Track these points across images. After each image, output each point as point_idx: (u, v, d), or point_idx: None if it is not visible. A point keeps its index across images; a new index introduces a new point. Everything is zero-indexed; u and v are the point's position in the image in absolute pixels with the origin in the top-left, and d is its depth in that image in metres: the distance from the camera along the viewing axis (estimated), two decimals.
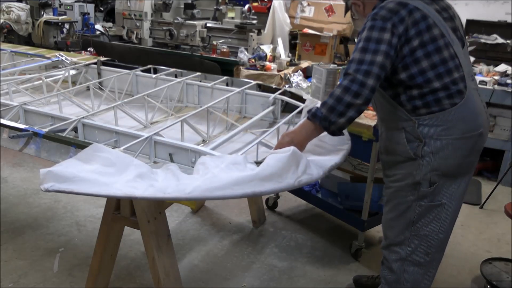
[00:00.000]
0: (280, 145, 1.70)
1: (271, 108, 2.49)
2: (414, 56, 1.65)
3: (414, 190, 1.78)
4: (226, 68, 4.76)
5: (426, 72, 1.66)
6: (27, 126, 1.92)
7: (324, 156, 1.78)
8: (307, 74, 4.84)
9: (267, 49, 4.99)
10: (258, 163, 1.56)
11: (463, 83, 1.68)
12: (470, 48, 4.84)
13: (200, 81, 2.85)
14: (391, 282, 1.95)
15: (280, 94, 2.55)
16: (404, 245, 1.87)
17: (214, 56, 5.01)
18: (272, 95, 2.52)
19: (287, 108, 2.58)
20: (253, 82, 2.75)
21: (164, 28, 5.30)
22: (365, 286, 2.53)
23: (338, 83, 1.69)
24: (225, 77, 2.88)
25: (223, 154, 1.65)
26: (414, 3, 1.66)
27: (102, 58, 3.33)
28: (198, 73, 2.94)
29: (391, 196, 1.88)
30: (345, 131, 1.98)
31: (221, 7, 5.35)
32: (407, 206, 1.81)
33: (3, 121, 1.97)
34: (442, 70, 1.66)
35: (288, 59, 4.90)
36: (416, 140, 1.72)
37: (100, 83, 2.87)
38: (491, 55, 4.80)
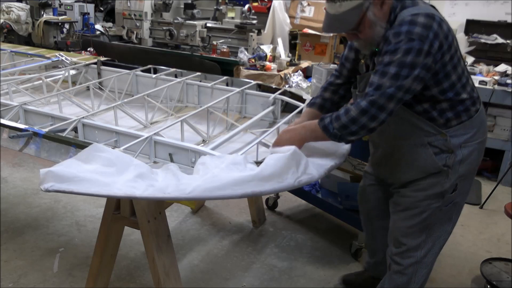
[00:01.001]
0: (278, 141, 1.70)
1: (271, 108, 2.49)
2: (445, 70, 1.61)
3: (440, 198, 1.77)
4: (226, 68, 4.76)
5: (456, 85, 1.64)
6: (27, 126, 1.92)
7: (324, 156, 1.78)
8: (307, 74, 4.84)
9: (267, 49, 4.99)
10: (258, 163, 1.57)
11: (475, 88, 1.74)
12: (470, 48, 4.84)
13: (200, 81, 2.85)
14: (401, 284, 1.95)
15: (280, 94, 2.55)
16: (419, 249, 1.86)
17: (214, 56, 5.01)
18: (272, 95, 2.52)
19: (287, 108, 2.58)
20: (253, 82, 2.75)
21: (164, 28, 5.30)
22: (356, 284, 2.51)
23: (356, 101, 1.60)
24: (225, 77, 2.88)
25: (223, 154, 1.65)
26: (436, 13, 1.59)
27: (102, 58, 3.33)
28: (198, 73, 2.94)
29: (411, 205, 1.83)
30: None
31: (221, 7, 5.36)
32: (430, 213, 1.80)
33: (3, 121, 1.96)
34: (464, 81, 1.67)
35: (288, 59, 4.90)
36: (445, 152, 1.70)
37: (100, 83, 2.87)
38: (491, 55, 4.80)
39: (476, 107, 1.71)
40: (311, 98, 1.96)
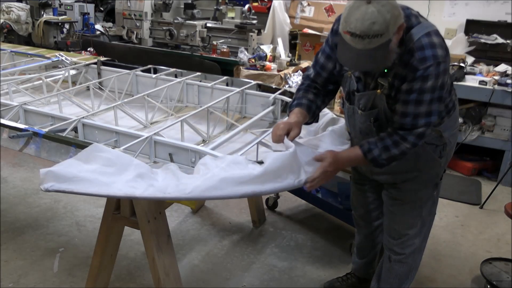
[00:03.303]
0: (322, 162, 1.66)
1: (271, 108, 2.49)
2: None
3: (435, 186, 1.90)
4: (226, 68, 4.76)
5: (449, 87, 1.72)
6: (27, 126, 1.92)
7: None
8: None
9: (267, 49, 4.99)
10: (258, 163, 1.56)
11: None
12: (470, 48, 4.84)
13: (200, 81, 2.85)
14: (403, 274, 2.04)
15: (280, 94, 2.55)
16: (417, 236, 1.96)
17: (214, 56, 5.01)
18: (272, 95, 2.52)
19: (287, 108, 2.57)
20: (253, 82, 2.75)
21: (164, 28, 5.30)
22: None
23: (396, 135, 1.64)
24: (225, 77, 2.88)
25: (224, 155, 1.65)
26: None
27: (102, 58, 3.33)
28: (198, 73, 2.94)
29: (411, 198, 1.90)
30: (345, 131, 1.99)
31: (221, 7, 5.36)
32: (427, 201, 1.91)
33: (3, 121, 1.96)
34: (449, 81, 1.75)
35: (288, 59, 4.90)
36: (439, 146, 1.79)
37: (100, 83, 2.87)
38: (491, 55, 4.79)
39: (456, 97, 1.83)
40: (293, 98, 1.90)
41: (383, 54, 1.44)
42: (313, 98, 1.86)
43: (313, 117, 1.87)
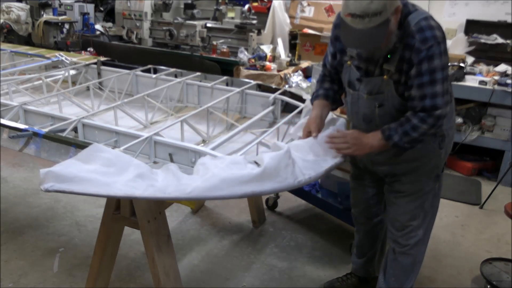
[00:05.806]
0: (344, 136, 1.75)
1: (271, 108, 2.49)
2: None
3: (437, 178, 1.93)
4: (226, 68, 4.77)
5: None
6: (27, 126, 1.92)
7: (324, 156, 1.77)
8: (307, 74, 4.84)
9: (267, 49, 5.00)
10: (257, 162, 1.57)
11: None
12: (470, 48, 4.84)
13: (200, 81, 2.85)
14: (407, 266, 2.06)
15: (280, 94, 2.55)
16: (420, 227, 1.99)
17: (214, 56, 5.01)
18: (272, 95, 2.52)
19: (287, 108, 2.58)
20: (253, 82, 2.75)
21: (164, 28, 5.31)
22: None
23: (417, 116, 1.67)
24: (225, 77, 2.88)
25: (223, 155, 1.65)
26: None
27: (102, 58, 3.33)
28: (198, 73, 2.94)
29: (414, 189, 1.93)
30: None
31: (221, 7, 5.36)
32: (429, 193, 1.94)
33: (3, 121, 1.97)
34: None
35: (288, 59, 4.91)
36: (438, 137, 1.83)
37: (100, 83, 2.88)
38: (491, 55, 4.79)
39: (452, 91, 1.85)
40: (313, 92, 2.03)
41: (383, 33, 1.53)
42: (328, 86, 2.00)
43: (334, 103, 1.99)
